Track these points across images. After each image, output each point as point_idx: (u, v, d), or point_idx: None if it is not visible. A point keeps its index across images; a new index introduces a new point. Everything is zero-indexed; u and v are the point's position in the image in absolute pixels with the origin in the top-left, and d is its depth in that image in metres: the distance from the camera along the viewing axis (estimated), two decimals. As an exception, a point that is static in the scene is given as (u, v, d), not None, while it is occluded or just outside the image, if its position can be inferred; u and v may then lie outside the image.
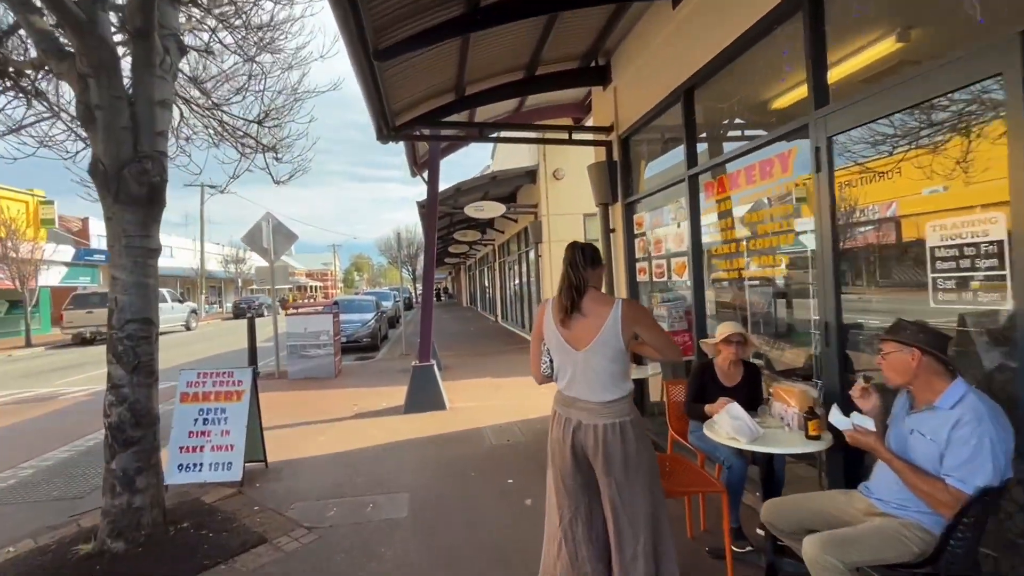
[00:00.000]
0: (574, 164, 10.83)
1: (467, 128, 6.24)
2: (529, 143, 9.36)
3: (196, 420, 4.24)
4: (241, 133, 4.72)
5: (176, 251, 35.64)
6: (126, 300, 3.10)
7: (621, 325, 2.04)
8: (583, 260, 2.19)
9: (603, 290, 2.27)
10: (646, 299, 5.57)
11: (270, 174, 5.00)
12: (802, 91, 2.98)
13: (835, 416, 2.08)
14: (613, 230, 5.83)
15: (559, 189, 10.76)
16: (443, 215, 13.86)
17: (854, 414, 2.05)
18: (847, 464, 2.67)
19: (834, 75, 2.79)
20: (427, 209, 7.12)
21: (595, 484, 2.08)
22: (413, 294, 51.45)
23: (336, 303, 10.52)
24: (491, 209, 10.83)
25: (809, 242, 3.09)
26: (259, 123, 4.61)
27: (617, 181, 5.63)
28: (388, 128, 5.22)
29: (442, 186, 8.52)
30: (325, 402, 7.19)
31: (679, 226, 4.55)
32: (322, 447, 5.15)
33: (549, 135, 8.05)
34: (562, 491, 2.13)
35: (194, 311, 23.29)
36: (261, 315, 25.17)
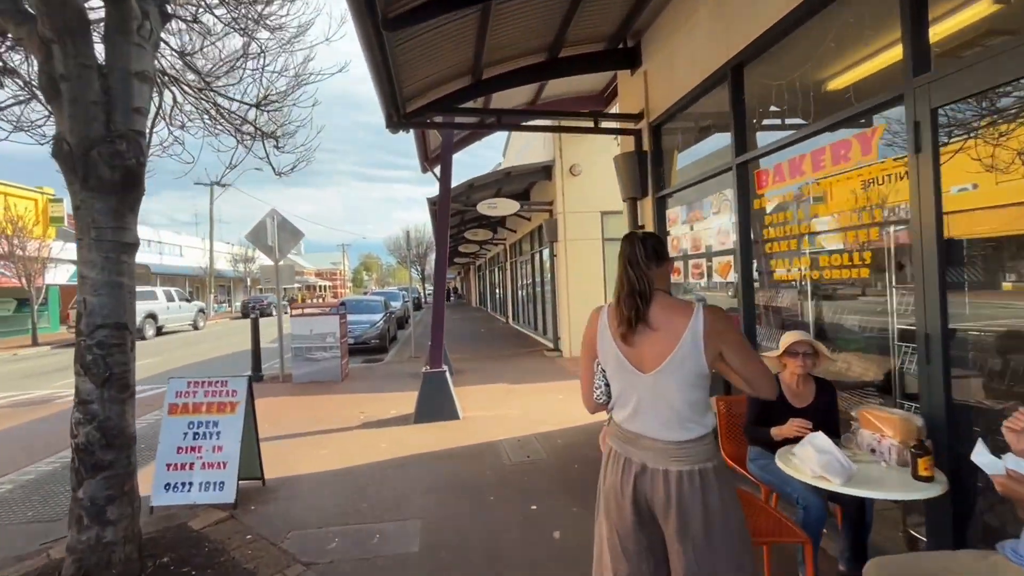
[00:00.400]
0: (592, 160, 10.36)
1: (484, 115, 5.77)
2: (552, 131, 8.87)
3: (186, 434, 3.82)
4: (238, 119, 4.30)
5: (186, 250, 35.65)
6: (96, 302, 2.68)
7: (704, 341, 1.56)
8: (645, 255, 1.72)
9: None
10: (679, 302, 5.09)
11: (270, 164, 4.58)
12: (892, 56, 2.49)
13: (981, 455, 1.60)
14: (642, 227, 5.35)
15: (576, 186, 10.28)
16: (454, 213, 13.44)
17: (1008, 455, 1.57)
18: (958, 513, 2.18)
19: (938, 33, 2.30)
20: (439, 206, 6.69)
21: (662, 548, 1.61)
22: (422, 294, 51.22)
23: (343, 304, 10.13)
24: (505, 207, 10.38)
25: (892, 236, 2.61)
26: (257, 107, 4.19)
27: (647, 173, 5.15)
28: (399, 115, 4.79)
29: (454, 183, 8.10)
30: (330, 409, 6.78)
31: (722, 221, 4.06)
32: (325, 462, 4.73)
33: (572, 123, 7.58)
34: (618, 554, 1.65)
35: (202, 310, 23.09)
36: (269, 314, 24.94)
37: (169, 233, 35.07)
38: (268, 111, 4.31)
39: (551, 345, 11.14)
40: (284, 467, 4.57)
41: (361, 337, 12.58)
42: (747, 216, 3.71)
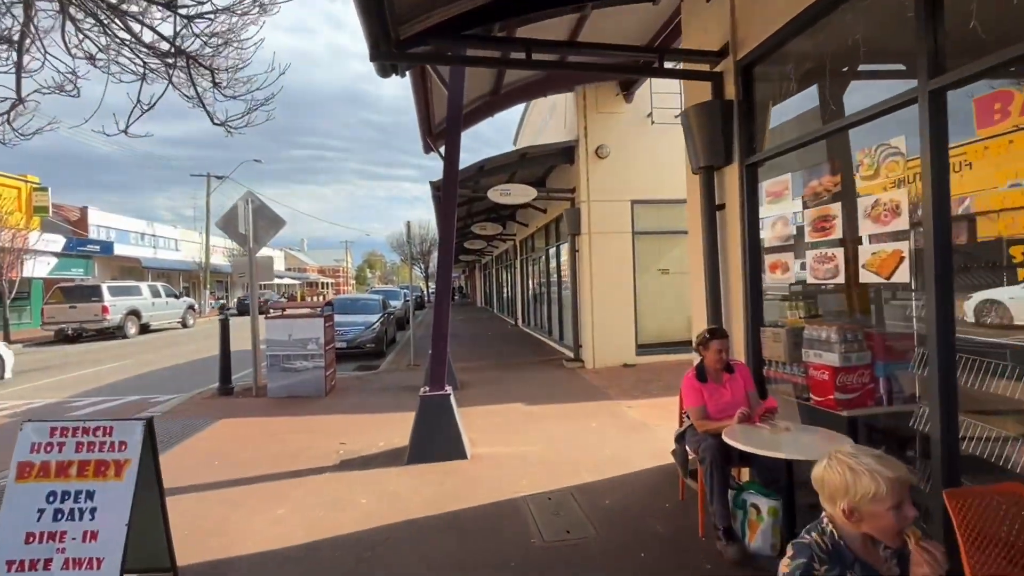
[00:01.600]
0: (622, 140, 8.93)
1: (506, 47, 4.24)
2: (602, 72, 7.27)
3: (42, 512, 2.44)
4: (145, 43, 2.90)
5: (183, 244, 34.44)
6: None
7: None
8: None
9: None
10: (778, 311, 3.67)
11: (203, 107, 3.18)
12: None
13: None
14: (721, 207, 3.92)
15: (603, 170, 8.86)
16: (461, 203, 12.02)
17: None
18: None
19: None
20: (444, 191, 5.24)
21: None
22: (425, 292, 49.77)
23: (330, 303, 8.72)
24: (519, 193, 8.96)
25: None
26: (169, 5, 2.80)
27: (733, 131, 3.72)
28: (388, 43, 3.37)
29: (461, 164, 6.67)
30: (303, 437, 5.38)
31: (883, 188, 2.63)
32: (279, 531, 3.33)
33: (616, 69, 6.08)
34: None
35: (192, 307, 21.79)
36: (267, 313, 23.52)
37: (165, 227, 33.87)
38: (194, 22, 2.91)
39: (570, 354, 9.71)
40: (217, 542, 3.18)
41: (354, 340, 11.21)
42: (944, 174, 2.27)
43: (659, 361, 8.92)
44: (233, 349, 7.70)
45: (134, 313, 17.61)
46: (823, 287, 3.20)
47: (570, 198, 9.30)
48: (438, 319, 4.92)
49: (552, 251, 11.86)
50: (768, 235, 3.52)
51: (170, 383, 9.05)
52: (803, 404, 3.27)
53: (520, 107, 13.22)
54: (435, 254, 43.03)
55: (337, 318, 11.95)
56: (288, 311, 7.79)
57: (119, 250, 26.74)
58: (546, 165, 9.88)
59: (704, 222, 3.93)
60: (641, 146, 8.99)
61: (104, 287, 16.76)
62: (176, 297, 20.74)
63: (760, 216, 3.61)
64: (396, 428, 5.44)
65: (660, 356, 9.02)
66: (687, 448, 3.29)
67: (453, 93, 4.85)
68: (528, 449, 4.80)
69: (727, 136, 3.74)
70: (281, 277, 46.70)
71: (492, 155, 8.69)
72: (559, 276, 11.23)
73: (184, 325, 21.00)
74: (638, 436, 5.11)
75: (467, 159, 8.68)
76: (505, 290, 21.46)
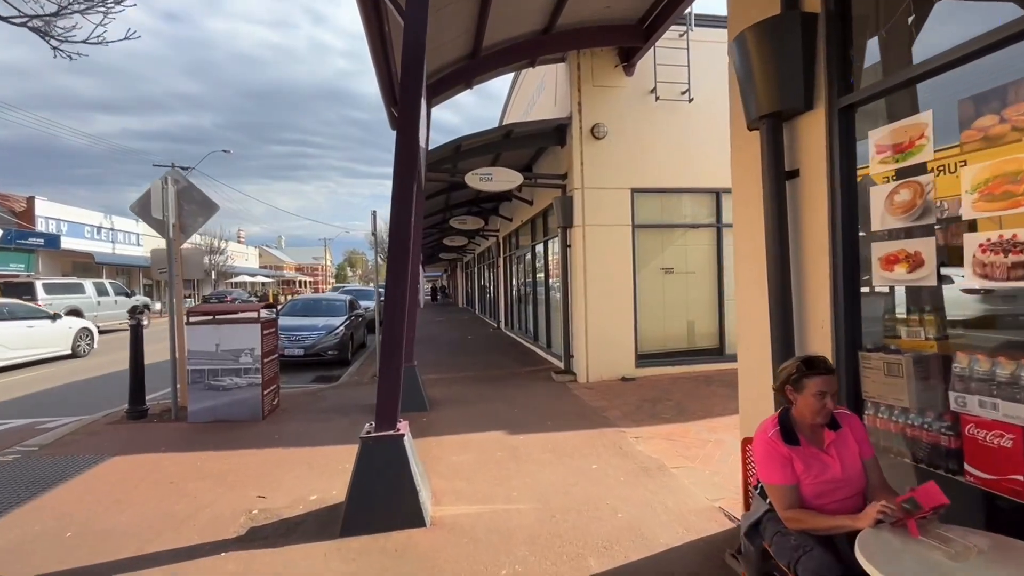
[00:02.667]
0: (621, 117, 7.73)
1: None
2: None
3: None
4: None
5: (145, 239, 32.33)
6: None
7: None
8: None
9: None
10: (881, 328, 2.47)
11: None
12: None
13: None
14: (793, 174, 2.71)
15: (600, 153, 7.64)
16: (437, 191, 10.72)
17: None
18: None
19: None
20: (398, 167, 3.74)
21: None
22: (406, 292, 48.13)
23: (272, 305, 7.26)
24: (503, 179, 7.70)
25: None
26: None
27: (817, 59, 2.52)
28: None
29: (436, 141, 5.44)
30: (210, 487, 4.03)
31: None
32: None
33: None
34: None
35: (147, 307, 19.99)
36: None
37: (126, 220, 31.68)
38: None
39: (560, 364, 8.49)
40: None
41: (314, 347, 9.81)
42: None
43: (662, 374, 7.74)
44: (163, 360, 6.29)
45: (75, 312, 15.85)
46: (991, 293, 2.00)
47: (561, 185, 8.07)
48: (389, 333, 3.61)
49: (539, 248, 10.61)
50: (879, 211, 2.31)
51: (80, 400, 7.57)
52: (945, 478, 2.07)
53: (506, 85, 11.97)
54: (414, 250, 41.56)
55: (295, 321, 10.56)
56: (219, 316, 6.39)
57: (69, 244, 24.75)
58: (534, 147, 8.64)
59: (768, 195, 2.71)
60: (643, 126, 7.80)
61: (39, 284, 15.03)
62: (127, 296, 18.98)
63: (862, 183, 2.40)
64: (340, 470, 4.16)
65: (663, 368, 7.84)
66: (768, 549, 2.06)
67: (411, 24, 3.55)
68: (511, 509, 3.53)
69: (808, 67, 2.53)
70: (254, 275, 44.68)
71: (472, 133, 7.41)
72: (547, 275, 10.00)
73: (137, 326, 19.21)
74: (655, 485, 3.88)
75: (441, 133, 7.42)
76: (487, 290, 20.17)
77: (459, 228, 13.41)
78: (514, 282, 13.84)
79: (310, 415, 6.25)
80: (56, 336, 11.25)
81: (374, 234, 8.31)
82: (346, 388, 7.91)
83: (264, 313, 6.32)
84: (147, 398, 6.37)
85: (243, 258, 49.37)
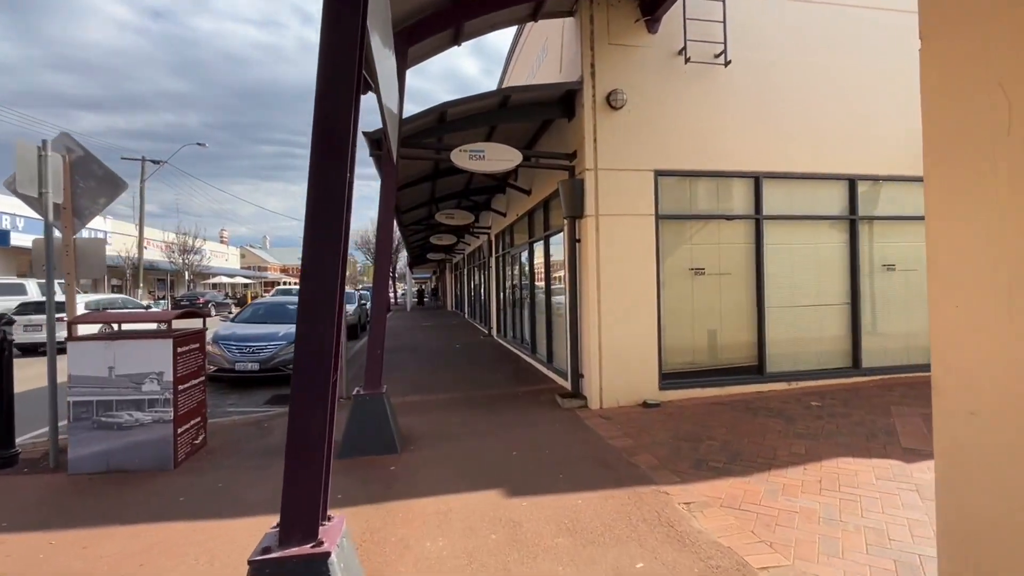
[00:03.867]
0: (644, 84, 6.31)
1: None
2: None
3: None
4: None
5: (113, 237, 30.35)
6: None
7: None
8: None
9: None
10: None
11: None
12: None
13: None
14: None
15: (617, 126, 6.22)
16: (417, 178, 9.24)
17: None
18: None
19: None
20: (319, 109, 2.28)
21: None
22: (394, 294, 46.30)
23: (195, 314, 5.66)
24: (498, 157, 6.24)
25: None
26: None
27: None
28: None
29: (414, 109, 3.96)
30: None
31: None
32: None
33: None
34: None
35: (104, 310, 18.22)
36: (209, 315, 19.92)
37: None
38: None
39: (565, 384, 7.06)
40: None
41: (272, 360, 8.28)
42: None
43: (692, 399, 6.32)
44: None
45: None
46: None
47: (568, 167, 6.62)
48: (306, 397, 2.10)
49: (538, 245, 9.16)
50: None
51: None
52: None
53: (504, 50, 10.45)
54: (403, 252, 39.65)
55: (252, 329, 9.00)
56: (122, 327, 4.84)
57: (20, 240, 22.85)
58: (537, 118, 7.18)
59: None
60: (669, 94, 6.39)
61: (-32, 284, 13.27)
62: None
63: None
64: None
65: (692, 391, 6.42)
66: None
67: None
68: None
69: None
70: (233, 276, 42.73)
71: (459, 98, 5.93)
72: (547, 277, 8.53)
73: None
74: (746, 610, 2.43)
75: (419, 100, 5.95)
76: (478, 294, 18.68)
77: (447, 224, 11.91)
78: (508, 284, 12.36)
79: (244, 458, 4.73)
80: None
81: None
82: (302, 414, 6.36)
83: (186, 323, 4.80)
84: (24, 438, 4.81)
85: (223, 258, 47.38)
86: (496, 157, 6.29)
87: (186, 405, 4.66)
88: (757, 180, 6.72)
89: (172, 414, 4.43)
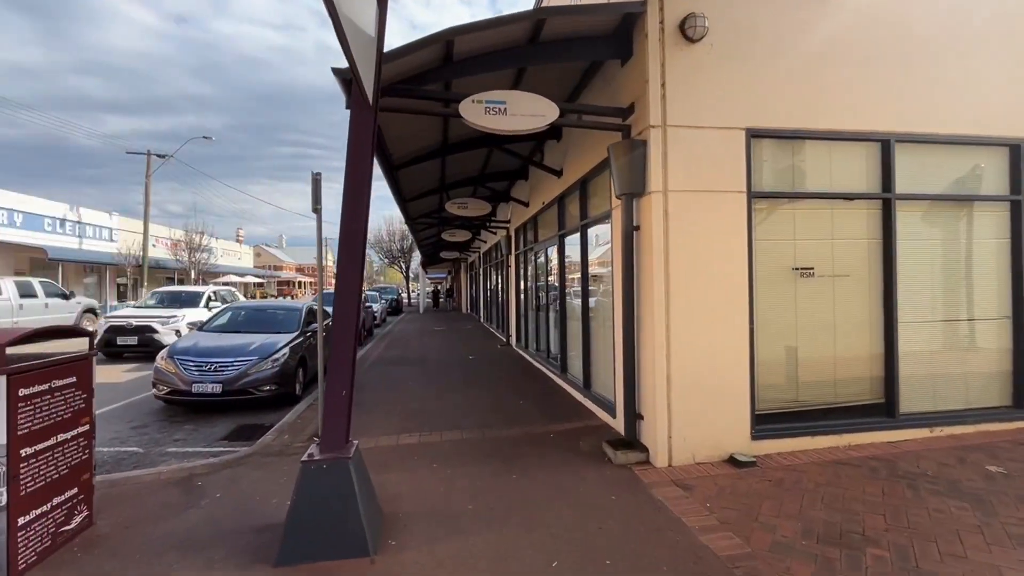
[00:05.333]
0: (731, 8, 4.47)
1: None
2: None
3: None
4: None
5: (120, 234, 29.34)
6: None
7: None
8: None
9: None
10: None
11: None
12: None
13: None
14: None
15: (695, 67, 4.39)
16: (419, 155, 7.53)
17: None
18: None
19: None
20: None
21: None
22: (407, 295, 44.72)
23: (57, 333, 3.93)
24: (525, 111, 4.45)
25: None
26: None
27: None
28: None
29: (399, 32, 2.24)
30: None
31: None
32: None
33: None
34: None
35: (92, 310, 16.96)
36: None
37: (97, 214, 28.67)
38: None
39: (611, 421, 5.27)
40: None
41: (238, 381, 6.62)
42: None
43: (800, 452, 4.46)
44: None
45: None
46: None
47: (622, 126, 4.79)
48: None
49: (572, 238, 7.35)
50: None
51: None
52: None
53: None
54: (416, 252, 37.95)
55: (218, 340, 7.36)
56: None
57: (22, 237, 21.84)
58: (581, 58, 5.34)
59: None
60: (768, 22, 4.54)
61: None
62: (64, 298, 15.89)
63: None
64: None
65: (800, 440, 4.56)
66: None
67: None
68: None
69: None
70: (243, 275, 41.67)
71: (472, 22, 4.14)
72: (584, 277, 6.70)
73: (78, 334, 16.16)
74: None
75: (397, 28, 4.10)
76: (495, 296, 16.92)
77: (459, 215, 10.17)
78: (530, 287, 10.54)
79: (138, 556, 3.02)
80: None
81: (314, 195, 5.13)
82: (258, 464, 4.67)
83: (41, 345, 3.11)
84: None
85: (235, 257, 46.46)
86: (522, 111, 4.50)
87: (42, 477, 2.97)
88: (887, 145, 4.82)
89: (4, 499, 2.74)
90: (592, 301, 6.52)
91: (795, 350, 4.75)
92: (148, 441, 5.69)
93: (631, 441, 4.61)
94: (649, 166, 4.43)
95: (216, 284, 27.24)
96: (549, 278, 8.83)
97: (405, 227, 33.94)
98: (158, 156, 28.03)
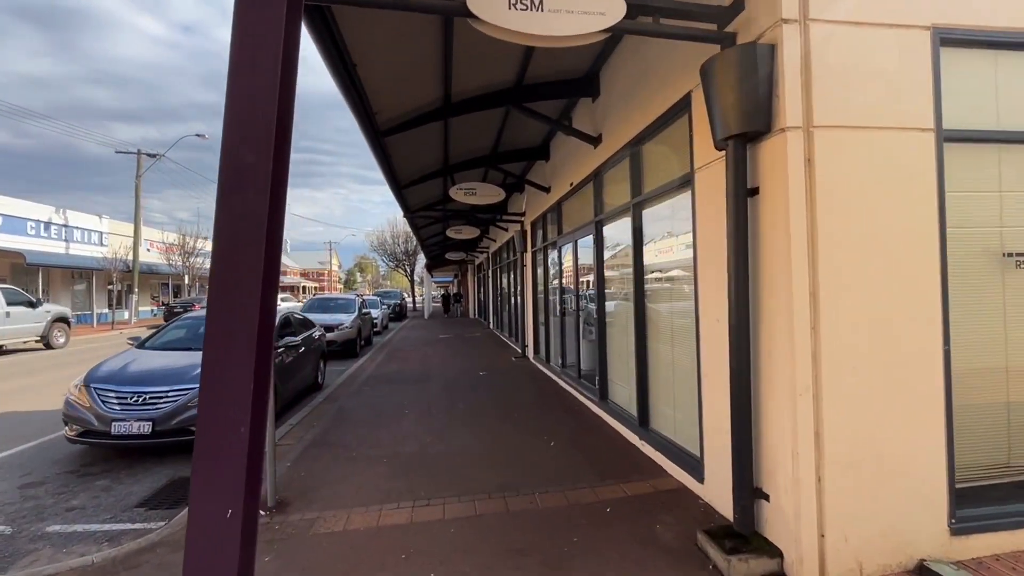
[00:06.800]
0: None
1: None
2: None
3: None
4: None
5: (110, 238, 27.90)
6: None
7: None
8: None
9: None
10: None
11: None
12: None
13: None
14: None
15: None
16: (416, 115, 5.88)
17: None
18: None
19: None
20: None
21: None
22: (412, 299, 42.99)
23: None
24: (575, 6, 2.77)
25: None
26: None
27: None
28: None
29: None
30: None
31: None
32: None
33: None
34: None
35: (64, 319, 15.42)
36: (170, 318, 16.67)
37: (87, 217, 27.24)
38: None
39: (704, 492, 3.57)
40: None
41: (174, 418, 4.94)
42: None
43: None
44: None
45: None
46: None
47: (722, 35, 3.06)
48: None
49: (618, 224, 5.62)
50: None
51: None
52: None
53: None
54: (420, 256, 36.23)
55: (155, 362, 5.67)
56: None
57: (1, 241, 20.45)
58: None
59: None
60: None
61: None
62: (31, 306, 14.33)
63: None
64: None
65: (1019, 534, 2.78)
66: None
67: None
68: None
69: None
70: (243, 280, 40.30)
71: None
72: (638, 275, 4.94)
73: (47, 346, 14.66)
74: None
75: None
76: (507, 301, 15.22)
77: (466, 203, 8.49)
78: (553, 288, 8.80)
79: None
80: None
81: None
82: (162, 562, 2.98)
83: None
84: None
85: (236, 261, 45.06)
86: (568, 5, 2.80)
87: None
88: None
89: None
90: (651, 308, 4.78)
91: (1004, 382, 3.00)
92: (30, 511, 4.01)
93: (746, 533, 2.87)
94: (778, 87, 2.72)
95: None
96: (580, 278, 7.10)
97: (409, 229, 32.29)
98: (149, 155, 26.70)
